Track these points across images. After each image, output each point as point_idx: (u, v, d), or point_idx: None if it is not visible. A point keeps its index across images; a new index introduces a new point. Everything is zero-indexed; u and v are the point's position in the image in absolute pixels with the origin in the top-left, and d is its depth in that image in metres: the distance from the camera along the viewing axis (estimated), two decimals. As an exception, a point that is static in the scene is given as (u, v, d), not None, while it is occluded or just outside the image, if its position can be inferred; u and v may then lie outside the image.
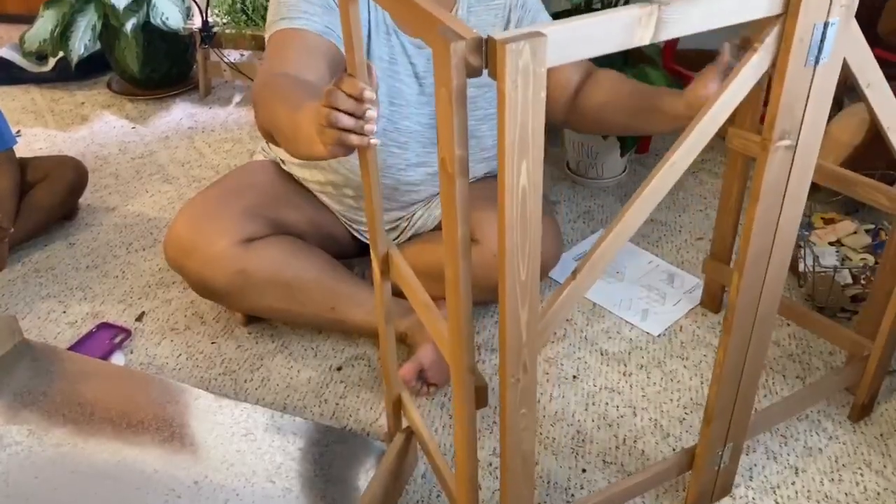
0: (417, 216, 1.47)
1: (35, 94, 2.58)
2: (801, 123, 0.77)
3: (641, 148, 2.10)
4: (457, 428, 0.84)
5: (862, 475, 1.17)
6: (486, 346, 1.45)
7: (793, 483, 1.17)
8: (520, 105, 0.58)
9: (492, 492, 1.17)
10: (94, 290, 1.64)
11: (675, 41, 2.03)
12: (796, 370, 1.38)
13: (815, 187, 0.86)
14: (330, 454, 1.17)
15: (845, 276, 1.46)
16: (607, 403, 1.32)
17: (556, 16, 2.01)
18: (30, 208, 1.75)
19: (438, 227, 1.47)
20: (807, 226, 1.60)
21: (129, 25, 2.29)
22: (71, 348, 1.46)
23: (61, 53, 2.40)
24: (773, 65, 0.73)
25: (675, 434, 1.26)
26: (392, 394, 1.13)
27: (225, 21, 2.44)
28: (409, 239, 1.50)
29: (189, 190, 2.00)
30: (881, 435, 1.24)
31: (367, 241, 1.49)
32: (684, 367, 1.39)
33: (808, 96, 0.76)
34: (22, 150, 1.89)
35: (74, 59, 2.34)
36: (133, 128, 2.35)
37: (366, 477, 1.13)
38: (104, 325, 1.52)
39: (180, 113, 2.44)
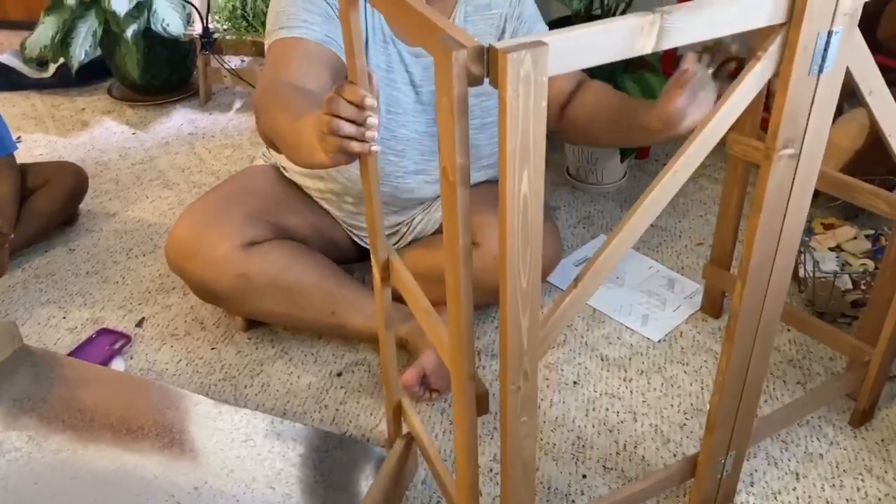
0: (417, 220, 1.47)
1: (36, 100, 2.58)
2: (805, 132, 0.77)
3: (641, 153, 2.10)
4: (457, 434, 0.84)
5: (863, 481, 1.17)
6: (487, 352, 1.45)
7: (794, 489, 1.16)
8: (521, 113, 0.58)
9: (492, 498, 1.17)
10: (95, 296, 1.64)
11: (675, 47, 2.03)
12: (797, 376, 1.38)
13: (814, 193, 0.86)
14: (330, 460, 1.16)
15: (845, 282, 1.46)
16: (608, 409, 1.32)
17: (556, 22, 2.02)
18: (30, 214, 1.75)
19: (439, 231, 1.47)
20: (807, 231, 1.60)
21: (129, 32, 2.30)
22: (71, 354, 1.45)
23: (62, 59, 2.41)
24: (776, 73, 0.73)
25: (676, 440, 1.26)
26: (392, 399, 1.13)
27: (225, 27, 2.45)
28: (410, 243, 1.50)
29: (189, 196, 2.00)
30: (882, 440, 1.24)
31: (368, 247, 1.49)
32: (685, 372, 1.39)
33: (811, 105, 0.76)
34: (22, 155, 1.89)
35: (75, 65, 2.34)
36: (133, 133, 2.36)
37: (366, 483, 1.13)
38: (104, 331, 1.52)
39: (181, 119, 2.44)
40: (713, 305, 1.51)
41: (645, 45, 0.63)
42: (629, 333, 1.49)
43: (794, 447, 1.23)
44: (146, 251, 1.78)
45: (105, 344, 1.48)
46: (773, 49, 0.71)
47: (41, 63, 2.54)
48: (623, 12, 1.88)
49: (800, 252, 1.52)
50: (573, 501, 1.16)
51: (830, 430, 1.26)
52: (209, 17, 2.40)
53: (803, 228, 0.87)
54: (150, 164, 2.18)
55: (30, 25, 2.45)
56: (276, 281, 1.34)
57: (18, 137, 2.31)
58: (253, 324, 1.51)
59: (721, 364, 0.94)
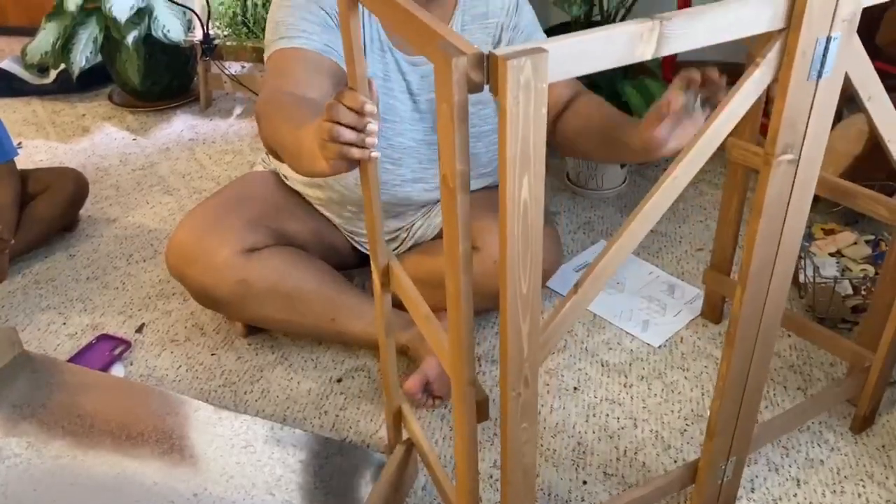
0: (417, 226, 1.47)
1: (36, 106, 2.58)
2: (804, 138, 0.77)
3: (641, 159, 2.10)
4: (457, 440, 0.84)
5: (864, 487, 1.17)
6: (487, 358, 1.45)
7: (795, 495, 1.16)
8: (521, 120, 0.58)
9: (493, 504, 1.17)
10: (95, 302, 1.64)
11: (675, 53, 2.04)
12: (797, 381, 1.37)
13: (814, 198, 0.86)
14: (330, 466, 1.16)
15: (846, 287, 1.46)
16: (608, 415, 1.32)
17: (556, 28, 2.03)
18: (30, 220, 1.76)
19: (439, 236, 1.47)
20: (807, 236, 1.60)
21: (130, 38, 2.30)
22: (71, 360, 1.45)
23: (63, 65, 2.41)
24: (776, 79, 0.73)
25: (677, 446, 1.26)
26: (392, 405, 1.13)
27: (226, 33, 2.46)
28: (410, 249, 1.50)
29: (190, 201, 2.00)
30: (883, 446, 1.23)
31: (368, 253, 1.49)
32: (685, 378, 1.39)
33: (810, 111, 0.76)
34: (23, 161, 1.89)
35: (76, 71, 2.35)
36: (134, 139, 2.36)
37: (366, 489, 1.13)
38: (104, 337, 1.52)
39: (181, 125, 2.45)
40: (713, 311, 1.51)
41: (644, 52, 0.63)
42: (629, 339, 1.49)
43: (794, 453, 1.23)
44: (146, 257, 1.78)
45: (105, 350, 1.48)
46: (772, 55, 0.71)
47: (42, 69, 2.54)
48: (623, 19, 1.88)
49: (800, 257, 1.52)
50: (574, 507, 1.16)
51: (831, 435, 1.26)
52: (210, 24, 2.41)
53: (803, 234, 0.87)
54: (151, 169, 2.18)
55: (31, 32, 2.46)
56: (276, 287, 1.34)
57: (19, 143, 2.31)
58: (253, 330, 1.51)
59: (721, 369, 0.94)
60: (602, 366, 1.43)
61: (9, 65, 2.64)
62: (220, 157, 2.24)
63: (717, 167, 2.04)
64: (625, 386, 1.38)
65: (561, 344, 1.48)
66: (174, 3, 2.44)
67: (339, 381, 1.41)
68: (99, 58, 2.43)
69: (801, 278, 1.52)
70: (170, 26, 2.37)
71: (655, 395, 1.36)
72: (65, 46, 2.35)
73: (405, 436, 1.16)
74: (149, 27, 2.36)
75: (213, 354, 1.48)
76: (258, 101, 1.17)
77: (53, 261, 1.78)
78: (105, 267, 1.75)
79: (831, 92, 0.76)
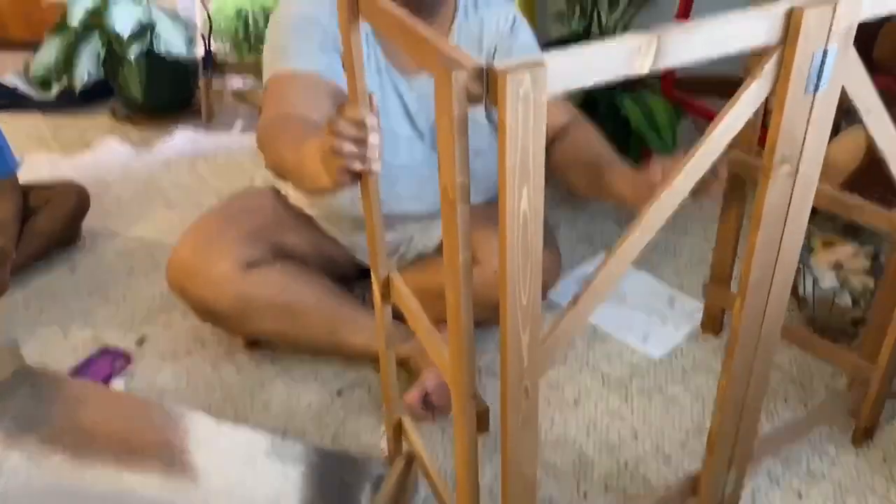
0: (416, 239, 1.47)
1: (39, 120, 2.60)
2: (802, 150, 0.78)
3: (641, 172, 2.11)
4: (458, 452, 0.84)
5: (866, 499, 1.17)
6: (488, 371, 1.45)
7: (796, 508, 1.16)
8: (520, 132, 0.59)
9: (494, 518, 1.16)
10: (96, 315, 1.64)
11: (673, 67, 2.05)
12: (798, 394, 1.37)
13: (813, 211, 0.87)
14: (330, 479, 1.16)
15: (846, 299, 1.46)
16: (609, 428, 1.32)
17: (555, 43, 2.04)
18: (32, 233, 1.76)
19: (439, 249, 1.48)
20: (806, 249, 1.60)
21: (132, 53, 2.32)
22: (71, 373, 1.45)
23: (65, 80, 2.43)
24: (773, 92, 0.74)
25: (677, 459, 1.25)
26: (392, 418, 1.13)
27: (228, 49, 2.47)
28: (412, 262, 1.50)
29: (191, 215, 1.99)
30: (884, 459, 1.23)
31: (368, 266, 1.49)
32: (685, 391, 1.39)
33: (807, 123, 0.76)
34: (25, 175, 1.90)
35: (78, 85, 2.36)
36: (136, 153, 2.37)
37: (366, 501, 1.12)
38: (105, 350, 1.52)
39: (183, 139, 2.46)
40: (714, 323, 1.51)
41: (643, 65, 0.64)
42: (630, 352, 1.49)
43: (796, 466, 1.23)
44: (147, 270, 1.79)
45: (106, 363, 1.48)
46: (769, 68, 0.72)
47: (45, 84, 2.56)
48: (622, 33, 1.89)
49: (800, 270, 1.52)
50: (575, 521, 1.16)
51: (832, 448, 1.25)
52: (211, 39, 2.43)
53: (802, 246, 0.87)
54: (152, 183, 2.19)
55: (34, 47, 2.48)
56: (275, 301, 1.34)
57: (21, 157, 2.32)
58: (254, 343, 1.51)
59: (721, 382, 0.94)
60: (602, 379, 1.43)
61: (12, 79, 2.66)
62: (221, 171, 2.25)
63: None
64: (625, 399, 1.38)
65: (561, 357, 1.48)
66: (176, 18, 2.46)
67: (340, 393, 1.41)
68: (101, 72, 2.44)
69: (801, 291, 1.52)
70: (172, 41, 2.38)
71: (656, 407, 1.36)
72: (68, 61, 2.36)
73: (405, 448, 1.15)
74: (151, 42, 2.38)
75: (213, 367, 1.48)
76: (259, 124, 1.18)
77: (54, 274, 1.78)
78: (106, 280, 1.76)
79: (828, 105, 0.77)
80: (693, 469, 1.22)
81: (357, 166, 0.85)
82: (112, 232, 1.95)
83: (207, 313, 1.38)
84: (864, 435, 1.25)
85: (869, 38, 1.89)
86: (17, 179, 1.77)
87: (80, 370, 1.47)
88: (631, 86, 1.82)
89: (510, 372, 0.71)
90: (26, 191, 1.81)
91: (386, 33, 0.74)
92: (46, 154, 2.37)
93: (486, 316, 1.06)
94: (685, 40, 0.65)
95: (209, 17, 2.40)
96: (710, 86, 2.27)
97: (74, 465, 1.18)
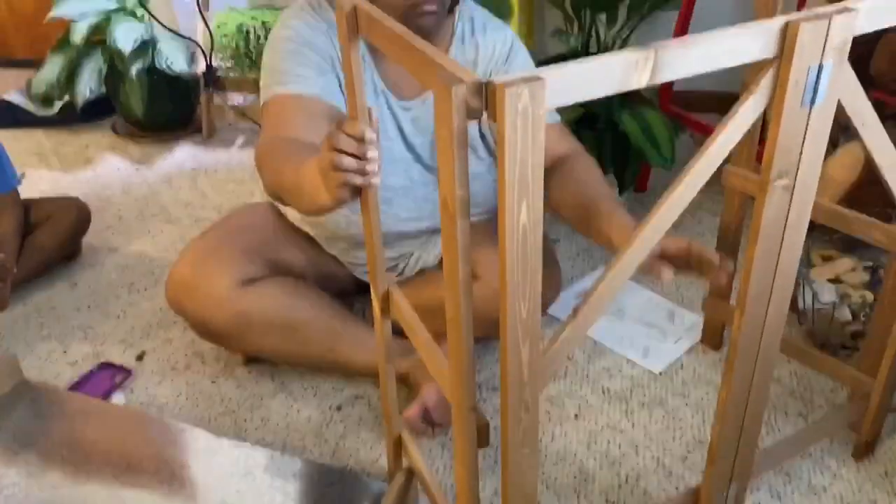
0: (415, 256, 1.48)
1: (40, 136, 2.61)
2: (799, 163, 0.78)
3: (640, 186, 2.12)
4: (458, 467, 0.83)
5: (868, 515, 1.16)
6: (488, 385, 1.45)
7: (798, 523, 1.16)
8: (519, 145, 0.59)
9: (494, 533, 1.16)
10: (96, 330, 1.64)
11: (671, 82, 2.06)
12: (798, 407, 1.37)
13: (812, 225, 0.87)
14: (330, 495, 1.15)
15: (845, 313, 1.46)
16: (609, 442, 1.32)
17: (553, 60, 2.05)
18: (32, 249, 1.76)
19: (440, 266, 1.48)
20: (805, 263, 1.60)
21: (134, 69, 2.33)
22: (71, 388, 1.45)
23: (67, 97, 2.44)
24: (769, 106, 0.75)
25: (678, 472, 1.25)
26: (392, 433, 1.13)
27: (229, 65, 2.49)
28: (412, 277, 1.50)
29: (192, 230, 2.01)
30: (885, 473, 1.23)
31: (367, 281, 1.49)
32: (686, 404, 1.39)
33: (804, 137, 0.77)
34: (26, 191, 1.91)
35: (80, 102, 2.38)
36: (137, 169, 2.38)
37: (367, 518, 1.12)
38: (105, 365, 1.52)
39: (183, 155, 2.47)
40: (713, 337, 1.51)
41: (640, 80, 0.64)
42: (630, 365, 1.49)
43: (797, 480, 1.22)
44: (148, 285, 1.79)
45: (105, 378, 1.48)
46: (766, 82, 0.73)
47: (47, 101, 2.57)
48: (620, 49, 1.91)
49: (799, 284, 1.52)
50: (575, 536, 1.15)
51: (833, 462, 1.25)
52: (213, 56, 2.44)
53: (801, 260, 0.87)
54: (153, 199, 2.19)
55: (37, 65, 2.49)
56: (274, 318, 1.34)
57: (23, 173, 2.33)
58: (253, 358, 1.51)
59: (721, 395, 0.94)
60: (603, 393, 1.43)
61: (14, 97, 2.67)
62: (222, 187, 2.25)
63: (714, 195, 2.05)
64: (626, 413, 1.38)
65: (561, 371, 1.48)
66: (178, 35, 2.48)
67: (339, 408, 1.41)
68: (103, 89, 2.46)
69: (801, 305, 1.52)
70: (173, 58, 2.40)
71: (657, 421, 1.35)
72: (70, 78, 2.38)
73: (405, 463, 1.15)
74: (152, 59, 2.40)
75: (213, 382, 1.48)
76: (257, 147, 1.18)
77: (55, 289, 1.79)
78: (106, 296, 1.76)
79: (824, 119, 0.77)
80: (694, 483, 1.22)
81: (357, 181, 0.86)
82: (112, 247, 1.95)
83: (206, 331, 1.38)
84: (865, 449, 1.25)
85: (865, 53, 1.90)
86: (18, 195, 1.78)
87: (80, 385, 1.47)
88: (629, 101, 1.83)
89: (510, 385, 0.71)
90: (27, 206, 1.81)
91: (385, 50, 0.75)
92: (47, 170, 2.38)
93: (486, 331, 1.06)
94: (682, 55, 0.65)
95: (210, 34, 2.42)
96: (708, 102, 2.29)
97: (73, 481, 1.17)
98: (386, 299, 0.99)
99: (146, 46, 2.38)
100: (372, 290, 1.00)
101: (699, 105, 2.27)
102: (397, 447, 1.14)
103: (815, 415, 1.36)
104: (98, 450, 1.23)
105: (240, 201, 2.14)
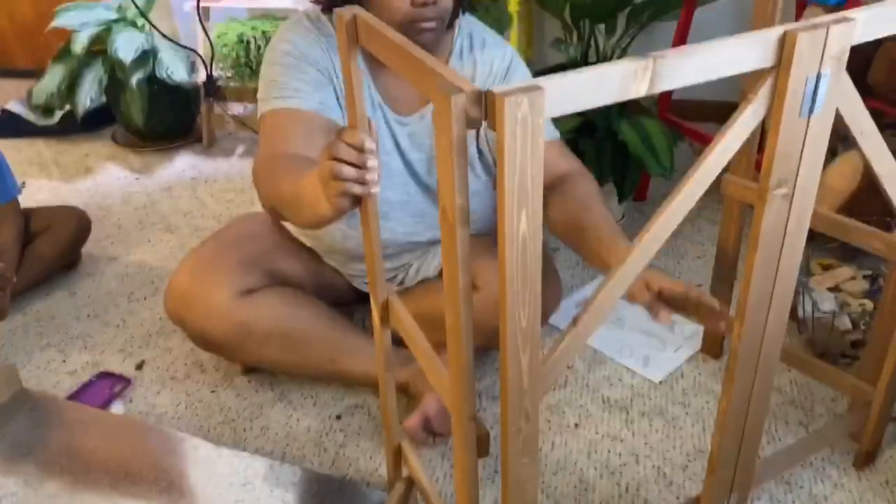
0: (414, 267, 1.47)
1: (41, 146, 2.61)
2: (798, 172, 0.79)
3: (639, 195, 2.12)
4: (458, 476, 0.83)
5: (869, 524, 1.16)
6: (487, 394, 1.45)
7: (799, 533, 1.15)
8: (518, 155, 0.59)
9: (494, 543, 1.15)
10: (95, 339, 1.64)
11: (670, 92, 2.07)
12: (799, 417, 1.37)
13: (812, 234, 0.87)
14: (330, 505, 1.15)
15: (845, 322, 1.46)
16: (609, 451, 1.31)
17: (553, 69, 2.06)
18: (32, 258, 1.76)
19: (440, 276, 1.48)
20: (805, 272, 1.60)
21: (134, 79, 2.34)
22: (70, 397, 1.45)
23: (67, 107, 2.45)
24: (768, 115, 0.75)
25: (679, 482, 1.25)
26: (392, 442, 1.12)
27: (229, 75, 2.49)
28: (411, 287, 1.50)
29: (191, 239, 2.01)
30: (886, 482, 1.23)
31: (365, 290, 1.49)
32: (686, 413, 1.39)
33: (803, 146, 0.77)
34: (26, 200, 1.91)
35: (80, 111, 2.38)
36: (136, 178, 2.38)
37: (366, 528, 1.12)
38: (104, 374, 1.52)
39: (183, 164, 2.47)
40: (713, 346, 1.51)
41: (639, 89, 0.65)
42: (630, 375, 1.49)
43: (798, 489, 1.22)
44: (147, 294, 1.79)
45: (105, 387, 1.48)
46: (764, 92, 0.73)
47: (47, 110, 2.58)
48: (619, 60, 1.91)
49: (799, 293, 1.52)
50: (576, 546, 1.15)
51: (834, 471, 1.25)
52: (213, 65, 2.45)
53: (801, 269, 0.87)
54: (153, 208, 2.19)
55: (37, 74, 2.50)
56: (273, 329, 1.34)
57: (23, 183, 2.33)
58: (252, 368, 1.50)
59: (721, 404, 0.94)
60: (603, 402, 1.42)
61: (15, 106, 2.68)
62: (221, 196, 2.26)
63: (714, 203, 2.05)
64: (626, 422, 1.37)
65: (562, 380, 1.47)
66: (178, 45, 2.49)
67: (339, 417, 1.41)
68: (103, 98, 2.46)
69: (801, 313, 1.52)
70: (173, 68, 2.41)
71: (657, 430, 1.35)
72: (70, 87, 2.38)
73: (405, 473, 1.15)
74: (153, 69, 2.40)
75: (212, 391, 1.48)
76: (255, 162, 1.18)
77: (54, 299, 1.79)
78: (106, 305, 1.76)
79: (823, 128, 0.77)
80: (694, 492, 1.21)
81: (356, 190, 0.86)
82: (112, 256, 1.95)
83: (205, 342, 1.38)
84: (866, 458, 1.24)
85: (863, 62, 1.91)
86: (18, 204, 1.78)
87: (79, 394, 1.46)
88: (628, 110, 1.84)
89: (510, 394, 0.71)
90: (27, 215, 1.82)
91: (384, 59, 0.75)
92: (47, 179, 2.39)
93: (486, 342, 1.06)
94: (681, 64, 0.66)
95: (211, 44, 2.43)
96: (707, 111, 2.30)
97: (71, 490, 1.17)
98: (385, 308, 0.99)
99: (147, 56, 2.38)
100: (372, 300, 1.00)
101: (698, 114, 2.28)
102: (397, 456, 1.14)
103: (816, 424, 1.35)
104: (97, 459, 1.22)
105: (240, 210, 2.15)
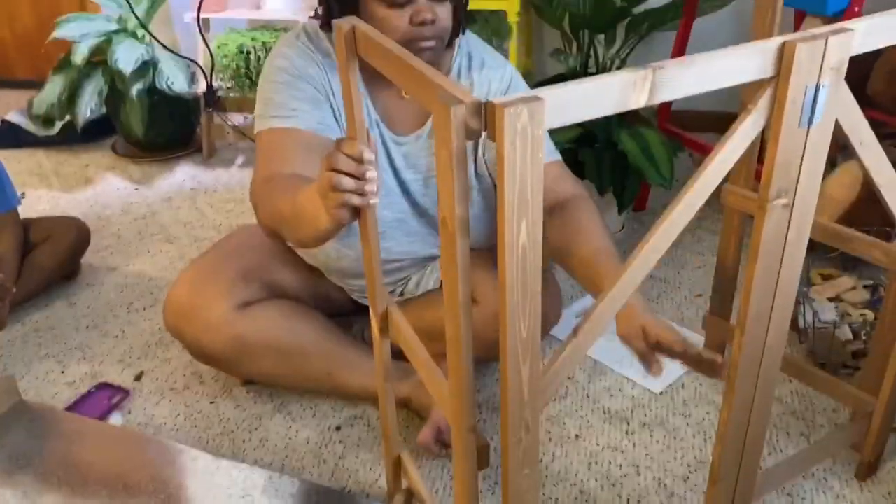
0: (413, 281, 1.47)
1: (41, 156, 2.62)
2: (797, 182, 0.79)
3: (639, 205, 2.12)
4: (457, 488, 0.83)
5: (871, 536, 1.15)
6: (488, 406, 1.44)
7: (801, 545, 1.14)
8: (518, 165, 0.59)
9: (494, 555, 1.15)
10: (94, 350, 1.64)
11: (669, 102, 2.07)
12: (800, 427, 1.36)
13: (812, 244, 0.87)
14: (329, 517, 1.15)
15: (846, 332, 1.45)
16: (610, 463, 1.31)
17: (552, 80, 2.06)
18: (32, 268, 1.76)
19: (440, 288, 1.47)
20: (805, 282, 1.60)
21: (134, 90, 2.35)
22: (69, 408, 1.44)
23: (68, 117, 2.45)
24: (768, 125, 0.75)
25: (680, 493, 1.24)
26: (392, 453, 1.12)
27: (229, 85, 2.50)
28: (412, 299, 1.49)
29: (191, 250, 2.01)
30: (889, 493, 1.22)
31: (363, 303, 1.48)
32: (687, 424, 1.38)
33: (802, 156, 0.77)
34: (26, 211, 1.91)
35: (81, 122, 2.39)
36: (136, 189, 2.38)
37: (366, 540, 1.11)
38: (103, 385, 1.51)
39: (183, 174, 2.47)
40: (714, 357, 1.50)
41: (638, 100, 0.65)
42: (631, 385, 1.48)
43: (799, 500, 1.21)
44: (146, 305, 1.79)
45: (103, 398, 1.48)
46: (764, 102, 0.73)
47: (47, 121, 2.58)
48: (619, 69, 1.92)
49: (799, 303, 1.52)
50: (576, 558, 1.14)
51: (836, 483, 1.24)
52: (213, 76, 2.46)
53: (801, 279, 0.87)
54: (153, 218, 2.19)
55: (38, 85, 2.51)
56: (271, 343, 1.34)
57: (23, 193, 2.33)
58: (251, 380, 1.50)
59: (722, 415, 0.94)
60: (604, 413, 1.42)
61: (15, 117, 2.68)
62: (221, 206, 2.26)
63: (714, 213, 2.05)
64: (627, 433, 1.37)
65: (562, 391, 1.47)
66: (178, 56, 2.49)
67: (338, 429, 1.40)
68: (103, 109, 2.47)
69: (801, 323, 1.52)
70: (173, 78, 2.41)
71: (658, 441, 1.35)
72: (71, 98, 2.39)
73: (405, 484, 1.14)
74: (153, 79, 2.41)
75: (211, 403, 1.47)
76: (252, 183, 1.18)
77: (53, 309, 1.78)
78: (105, 315, 1.75)
79: (822, 138, 0.77)
80: (696, 503, 1.21)
81: (355, 200, 0.86)
82: (111, 267, 1.95)
83: (203, 355, 1.38)
84: (868, 469, 1.24)
85: (862, 73, 1.92)
86: (17, 214, 1.78)
87: (78, 405, 1.46)
88: (628, 120, 1.84)
89: (510, 405, 0.71)
90: (27, 226, 1.82)
91: (383, 70, 0.75)
92: (47, 190, 2.39)
93: (485, 354, 1.06)
94: (680, 75, 0.66)
95: (211, 55, 2.43)
96: (706, 121, 2.30)
97: (69, 502, 1.16)
98: (385, 319, 0.98)
99: (147, 67, 2.39)
100: (371, 310, 1.00)
101: (697, 124, 2.29)
102: (396, 468, 1.13)
103: (817, 435, 1.35)
104: (95, 471, 1.22)
105: (239, 220, 2.15)
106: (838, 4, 1.63)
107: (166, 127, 2.53)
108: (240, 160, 2.56)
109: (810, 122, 0.75)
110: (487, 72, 1.33)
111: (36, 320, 1.74)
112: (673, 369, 1.51)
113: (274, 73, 1.25)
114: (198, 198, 2.31)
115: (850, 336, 1.45)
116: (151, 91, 2.42)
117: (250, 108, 2.48)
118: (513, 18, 2.05)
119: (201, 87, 2.47)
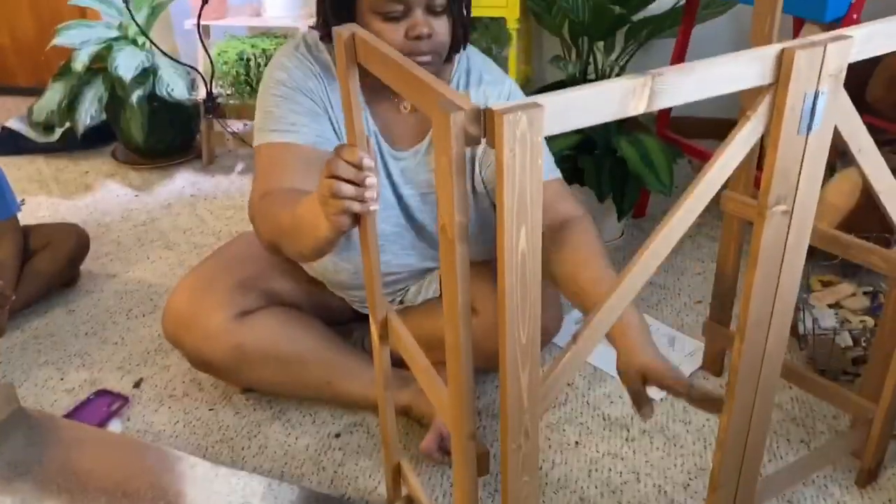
0: (412, 290, 1.47)
1: (41, 163, 2.62)
2: (797, 189, 0.79)
3: (638, 212, 2.12)
4: (457, 495, 0.83)
5: (872, 543, 1.15)
6: (487, 412, 1.44)
7: (802, 552, 1.14)
8: (517, 172, 0.59)
9: (494, 563, 1.14)
10: (93, 357, 1.63)
11: (668, 108, 2.08)
12: (800, 434, 1.36)
13: (811, 250, 0.87)
14: (329, 524, 1.14)
15: (845, 339, 1.45)
16: (610, 469, 1.30)
17: (552, 87, 2.07)
18: (31, 275, 1.76)
19: (440, 297, 1.47)
20: (805, 288, 1.60)
21: (134, 96, 2.35)
22: (68, 416, 1.44)
23: (68, 124, 2.45)
24: (767, 132, 0.75)
25: (680, 500, 1.24)
26: (391, 460, 1.12)
27: (229, 92, 2.50)
28: (412, 307, 1.49)
29: (190, 256, 2.01)
30: (889, 500, 1.22)
31: (365, 312, 1.48)
32: (687, 431, 1.38)
33: (801, 163, 0.77)
34: (26, 218, 1.91)
35: (80, 128, 2.39)
36: (136, 196, 2.38)
37: (365, 548, 1.11)
38: (102, 392, 1.51)
39: (183, 181, 2.48)
40: (714, 363, 1.50)
41: (637, 106, 0.65)
42: (630, 392, 1.48)
43: (800, 508, 1.21)
44: (146, 312, 1.78)
45: (102, 405, 1.47)
46: (763, 109, 0.73)
47: (47, 128, 2.59)
48: (617, 77, 1.92)
49: (799, 309, 1.52)
50: (577, 566, 1.14)
51: (836, 490, 1.24)
52: (213, 83, 2.46)
53: (801, 285, 0.87)
54: (152, 225, 2.19)
55: (38, 92, 2.51)
56: (270, 351, 1.33)
57: (22, 200, 2.33)
58: (250, 388, 1.49)
59: (722, 422, 0.93)
60: (603, 419, 1.42)
61: (15, 124, 2.68)
62: (221, 213, 2.26)
63: (714, 220, 2.05)
64: (627, 440, 1.37)
65: (562, 397, 1.47)
66: (178, 63, 2.50)
67: (338, 436, 1.40)
68: (103, 116, 2.47)
69: (801, 330, 1.52)
70: (173, 85, 2.42)
71: (658, 448, 1.34)
72: (70, 105, 2.39)
73: (404, 492, 1.14)
74: (153, 86, 2.41)
75: (210, 410, 1.47)
76: (251, 198, 1.18)
77: (53, 316, 1.78)
78: (104, 322, 1.75)
79: (821, 144, 0.78)
80: (696, 511, 1.20)
81: (356, 207, 0.86)
82: (111, 274, 1.95)
83: (203, 364, 1.38)
84: (868, 476, 1.24)
85: (861, 79, 1.92)
86: (17, 221, 1.78)
87: (77, 412, 1.45)
88: (627, 127, 1.84)
89: (510, 412, 0.71)
90: (27, 232, 1.82)
91: (383, 77, 0.75)
92: (47, 196, 2.39)
93: (485, 364, 1.05)
94: (679, 81, 0.66)
95: (211, 62, 2.44)
96: (705, 128, 2.31)
97: (68, 510, 1.16)
98: (385, 326, 0.98)
99: (147, 74, 2.40)
100: (370, 317, 1.00)
101: (696, 131, 2.29)
102: (396, 475, 1.13)
103: (818, 441, 1.35)
104: (94, 478, 1.21)
105: (239, 227, 2.15)
106: (837, 11, 1.63)
107: (166, 134, 2.54)
108: (239, 167, 2.56)
109: (809, 128, 0.75)
110: (485, 87, 1.32)
111: (35, 327, 1.74)
112: (673, 376, 1.51)
113: (273, 85, 1.24)
114: (197, 204, 2.31)
115: (850, 342, 1.45)
116: (151, 98, 2.42)
117: (250, 114, 2.50)
118: (512, 26, 2.05)
119: (201, 93, 2.48)
